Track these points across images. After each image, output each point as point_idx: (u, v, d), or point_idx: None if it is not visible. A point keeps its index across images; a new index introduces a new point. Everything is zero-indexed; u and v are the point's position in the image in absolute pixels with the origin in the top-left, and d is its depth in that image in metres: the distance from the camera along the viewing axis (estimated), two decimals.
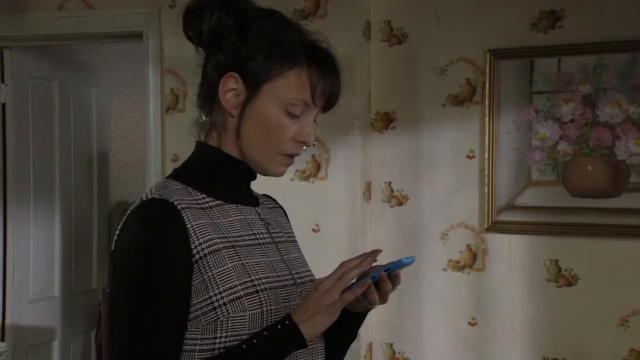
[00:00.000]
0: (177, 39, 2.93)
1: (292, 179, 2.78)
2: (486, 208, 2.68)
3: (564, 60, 2.57)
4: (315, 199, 2.77)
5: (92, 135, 3.88)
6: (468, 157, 2.74)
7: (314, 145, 1.19)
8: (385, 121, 2.84)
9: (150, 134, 3.03)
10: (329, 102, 1.18)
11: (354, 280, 1.09)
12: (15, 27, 3.11)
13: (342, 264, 1.10)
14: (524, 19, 2.63)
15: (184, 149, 2.98)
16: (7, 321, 3.29)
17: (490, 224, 2.68)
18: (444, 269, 2.75)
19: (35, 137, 3.43)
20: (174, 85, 2.98)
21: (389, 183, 2.85)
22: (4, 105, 3.30)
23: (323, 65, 1.16)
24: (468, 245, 2.73)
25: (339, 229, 2.76)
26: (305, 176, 2.79)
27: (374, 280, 1.10)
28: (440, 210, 2.77)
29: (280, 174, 1.21)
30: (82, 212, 3.75)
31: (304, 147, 1.18)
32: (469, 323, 2.73)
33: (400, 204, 2.84)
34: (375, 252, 1.11)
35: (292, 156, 1.18)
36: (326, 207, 2.78)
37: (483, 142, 2.69)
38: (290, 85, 1.14)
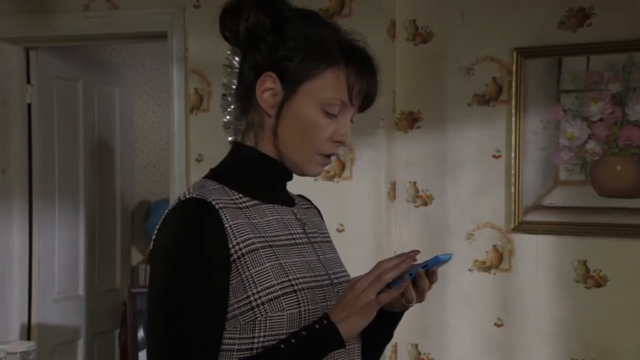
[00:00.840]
0: (201, 39, 2.94)
1: (316, 179, 2.77)
2: (513, 208, 2.66)
3: (593, 58, 2.54)
4: (339, 199, 2.76)
5: (115, 136, 3.91)
6: (494, 156, 2.72)
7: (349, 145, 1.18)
8: (410, 121, 2.83)
9: (175, 134, 3.04)
10: (366, 101, 1.18)
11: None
12: (41, 28, 3.13)
13: (379, 264, 1.10)
14: (552, 17, 2.61)
15: (208, 149, 3.00)
16: (33, 320, 3.33)
17: (516, 224, 2.66)
18: (470, 270, 2.73)
19: (60, 137, 3.46)
20: (198, 85, 2.99)
21: (414, 183, 2.83)
22: (29, 105, 3.33)
23: (360, 65, 1.16)
24: (494, 246, 2.71)
25: (364, 229, 2.75)
26: (330, 176, 2.78)
27: (411, 278, 1.09)
28: (465, 210, 2.75)
29: (317, 174, 1.21)
30: (105, 212, 3.78)
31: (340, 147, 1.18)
32: (495, 324, 2.70)
33: (425, 204, 2.82)
34: (414, 253, 1.10)
35: (328, 156, 1.18)
36: (351, 207, 2.77)
37: (509, 141, 2.67)
38: (327, 85, 1.14)
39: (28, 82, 3.32)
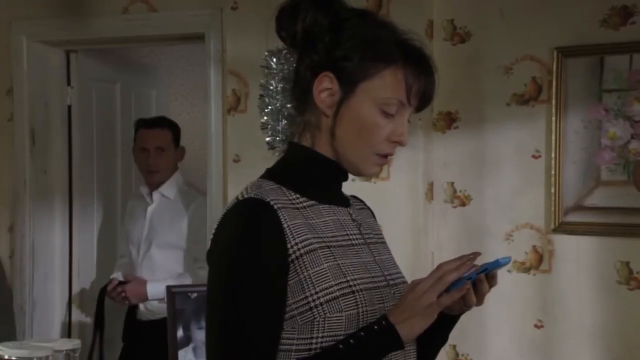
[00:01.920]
0: (239, 40, 2.96)
1: (353, 180, 2.75)
2: (553, 209, 2.63)
3: (636, 57, 2.51)
4: (377, 199, 2.73)
5: None
6: (533, 156, 2.69)
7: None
8: (448, 121, 2.82)
9: (212, 135, 3.06)
10: (423, 101, 1.18)
11: None
12: (81, 31, 3.18)
13: (440, 266, 1.09)
14: (594, 16, 2.58)
15: (246, 150, 3.02)
16: (73, 318, 3.38)
17: (557, 224, 2.64)
18: (509, 271, 2.71)
19: (98, 138, 3.51)
20: (235, 86, 3.00)
21: (452, 183, 2.82)
22: (69, 107, 3.39)
23: (418, 64, 1.16)
24: (534, 247, 2.69)
25: (401, 229, 2.74)
26: (363, 176, 2.78)
27: (471, 282, 1.08)
28: (504, 210, 2.73)
29: (374, 174, 1.22)
30: None
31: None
32: (535, 325, 2.68)
33: (463, 204, 2.81)
34: (474, 255, 1.10)
35: (385, 156, 1.19)
36: (388, 207, 2.76)
37: (549, 141, 2.64)
38: (385, 85, 1.14)
39: (68, 84, 3.37)
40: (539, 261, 2.68)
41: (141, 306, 3.00)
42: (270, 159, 3.07)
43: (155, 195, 3.06)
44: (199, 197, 3.08)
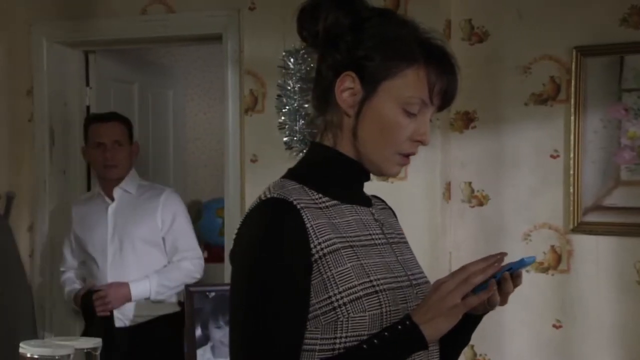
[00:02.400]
0: (256, 41, 2.97)
1: (370, 179, 2.78)
2: (571, 208, 2.62)
3: None
4: (394, 199, 2.72)
5: (168, 137, 3.97)
6: (552, 156, 2.69)
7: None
8: (465, 121, 2.82)
9: (229, 135, 3.07)
10: (445, 100, 1.17)
11: None
12: (99, 32, 3.21)
13: (465, 267, 1.08)
14: (613, 15, 2.57)
15: (263, 149, 3.03)
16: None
17: (575, 224, 2.63)
18: (527, 271, 2.70)
19: None
20: (253, 86, 3.02)
21: (469, 183, 2.82)
22: (88, 107, 3.41)
23: (441, 63, 1.15)
24: (552, 247, 2.68)
25: (419, 229, 2.74)
26: (385, 176, 2.78)
27: (496, 280, 1.08)
28: (522, 210, 2.73)
29: (396, 174, 1.21)
30: None
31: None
32: (554, 325, 2.67)
33: (480, 204, 2.80)
34: (501, 255, 1.08)
35: (407, 156, 1.18)
36: (405, 207, 2.74)
37: (568, 141, 2.64)
38: (408, 84, 1.13)
39: (87, 84, 3.40)
40: (557, 261, 2.67)
41: (115, 312, 2.75)
42: (288, 159, 3.09)
43: (117, 192, 2.83)
44: (166, 188, 2.93)
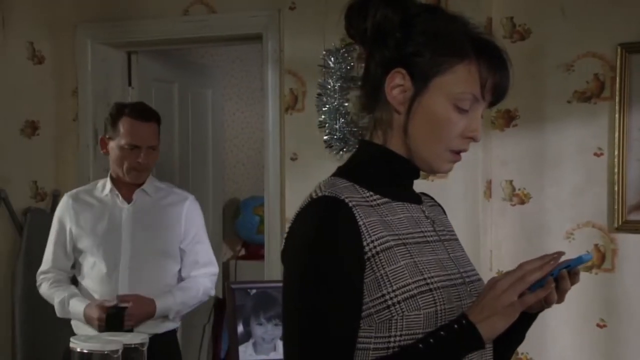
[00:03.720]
0: (296, 40, 2.99)
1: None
2: (616, 207, 2.60)
3: None
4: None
5: (207, 136, 4.02)
6: (595, 154, 2.66)
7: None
8: (507, 119, 2.80)
9: (269, 134, 3.10)
10: (498, 96, 1.16)
11: None
12: (142, 32, 3.26)
13: (521, 265, 1.07)
14: None
15: (303, 148, 3.05)
16: None
17: (620, 223, 2.60)
18: None
19: None
20: (293, 85, 3.04)
21: (510, 181, 2.80)
22: None
23: (492, 58, 1.14)
24: (595, 245, 2.65)
25: (459, 227, 2.66)
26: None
27: (553, 278, 1.08)
28: (565, 209, 2.70)
29: (447, 171, 1.20)
30: None
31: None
32: (598, 325, 2.65)
33: (522, 202, 2.78)
34: (558, 254, 1.07)
35: (458, 152, 1.17)
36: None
37: (612, 139, 2.61)
38: (459, 80, 1.12)
39: (129, 84, 3.45)
40: (601, 260, 2.64)
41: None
42: (328, 158, 3.10)
43: (137, 194, 2.51)
44: (187, 194, 2.62)
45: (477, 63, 1.13)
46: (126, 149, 2.45)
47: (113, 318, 2.37)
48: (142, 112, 2.50)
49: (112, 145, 2.48)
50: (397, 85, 1.14)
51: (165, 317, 2.49)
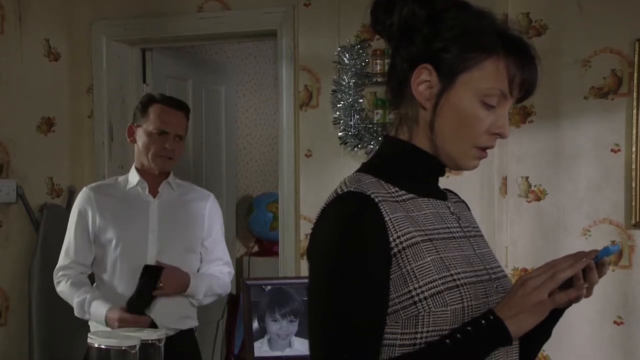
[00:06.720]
0: (311, 36, 2.99)
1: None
2: (633, 204, 2.58)
3: None
4: None
5: (221, 133, 4.02)
6: (612, 150, 2.64)
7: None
8: (522, 115, 2.79)
9: (284, 130, 3.10)
10: (526, 92, 1.15)
11: None
12: (157, 30, 3.27)
13: (552, 263, 1.06)
14: None
15: (317, 144, 3.05)
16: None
17: (637, 220, 2.59)
18: None
19: None
20: (307, 82, 3.04)
21: (526, 178, 2.79)
22: None
23: (520, 54, 1.13)
24: (613, 242, 2.64)
25: None
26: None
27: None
28: (581, 205, 2.69)
29: (473, 168, 1.18)
30: None
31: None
32: (615, 322, 2.63)
33: (538, 199, 2.77)
34: (593, 252, 1.06)
35: (485, 149, 1.16)
36: None
37: (630, 135, 2.59)
38: (486, 76, 1.11)
39: (144, 81, 3.46)
40: (618, 257, 2.63)
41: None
42: (342, 154, 3.09)
43: (164, 187, 2.49)
44: (208, 192, 2.62)
45: (506, 59, 1.12)
46: (154, 135, 2.43)
47: (150, 271, 2.33)
48: (174, 101, 2.52)
49: (140, 132, 2.47)
50: (423, 81, 1.13)
51: (191, 299, 2.45)
